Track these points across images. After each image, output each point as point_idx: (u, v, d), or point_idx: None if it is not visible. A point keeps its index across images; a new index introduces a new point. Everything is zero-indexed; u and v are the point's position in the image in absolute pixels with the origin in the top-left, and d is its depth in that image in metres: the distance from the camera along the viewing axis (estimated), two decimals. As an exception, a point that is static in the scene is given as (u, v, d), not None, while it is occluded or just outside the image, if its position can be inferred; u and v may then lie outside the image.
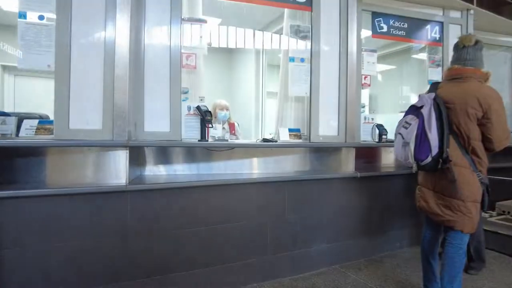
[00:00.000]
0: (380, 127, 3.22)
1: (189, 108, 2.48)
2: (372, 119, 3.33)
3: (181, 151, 2.57)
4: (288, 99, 2.86)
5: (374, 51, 3.31)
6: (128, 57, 2.03)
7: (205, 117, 2.38)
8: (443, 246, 2.08)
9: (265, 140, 2.57)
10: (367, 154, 3.42)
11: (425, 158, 1.95)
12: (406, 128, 2.06)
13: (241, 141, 2.85)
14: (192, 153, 2.59)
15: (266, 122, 4.70)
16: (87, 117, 1.99)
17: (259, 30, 4.35)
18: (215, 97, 3.56)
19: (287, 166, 2.78)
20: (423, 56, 4.33)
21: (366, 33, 3.29)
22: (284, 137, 2.71)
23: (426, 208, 2.11)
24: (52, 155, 2.01)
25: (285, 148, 2.74)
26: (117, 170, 2.04)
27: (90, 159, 2.05)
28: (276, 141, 2.57)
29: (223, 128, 3.26)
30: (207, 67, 2.88)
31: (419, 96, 2.09)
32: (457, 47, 2.09)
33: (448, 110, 1.99)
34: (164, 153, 2.52)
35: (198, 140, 2.40)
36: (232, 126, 3.33)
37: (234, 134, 3.31)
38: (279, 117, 2.87)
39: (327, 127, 2.78)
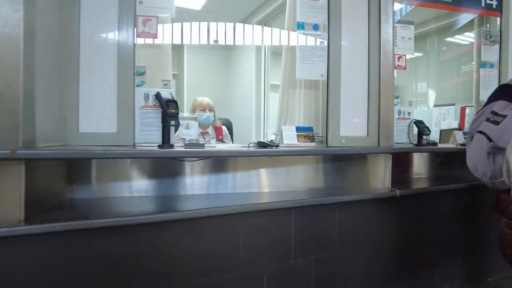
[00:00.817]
0: (420, 124, 2.38)
1: (146, 96, 1.66)
2: (409, 113, 2.49)
3: (138, 160, 1.74)
4: (295, 85, 2.01)
5: (410, 23, 2.45)
6: (22, 7, 1.19)
7: (167, 110, 1.54)
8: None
9: (260, 144, 1.72)
10: (398, 162, 2.55)
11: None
12: (496, 122, 1.21)
13: (222, 146, 1.98)
14: (156, 163, 1.76)
15: (269, 121, 3.87)
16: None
17: (239, 21, 3.96)
18: (208, 95, 2.76)
19: (294, 181, 1.92)
20: (460, 39, 3.50)
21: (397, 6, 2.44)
22: (290, 139, 1.85)
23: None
24: None
25: (291, 156, 1.88)
26: (9, 198, 1.21)
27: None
28: (276, 146, 1.71)
29: (206, 133, 2.45)
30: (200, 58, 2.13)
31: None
32: None
33: None
34: (113, 165, 1.70)
35: (159, 146, 1.58)
36: (219, 131, 2.51)
37: (222, 140, 2.49)
38: (282, 111, 2.02)
39: (352, 125, 1.92)
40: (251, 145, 1.76)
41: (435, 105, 3.71)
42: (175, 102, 1.59)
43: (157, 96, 1.59)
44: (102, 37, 1.60)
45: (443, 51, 3.74)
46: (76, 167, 1.63)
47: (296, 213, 1.65)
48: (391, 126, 2.01)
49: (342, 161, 1.98)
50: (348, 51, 1.92)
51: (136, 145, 1.64)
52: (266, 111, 3.63)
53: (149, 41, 1.76)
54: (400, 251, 2.01)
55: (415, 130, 2.48)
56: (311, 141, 1.90)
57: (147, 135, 1.66)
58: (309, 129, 1.93)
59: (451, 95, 3.67)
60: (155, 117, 1.64)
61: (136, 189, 1.71)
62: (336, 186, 1.96)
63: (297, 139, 1.87)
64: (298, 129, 1.89)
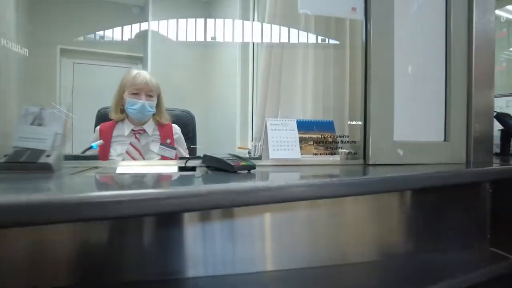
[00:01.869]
0: (507, 119, 1.46)
1: None
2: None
3: None
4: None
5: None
6: None
7: None
8: None
9: (209, 164, 0.70)
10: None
11: None
12: None
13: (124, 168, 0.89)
14: None
15: (258, 124, 2.86)
16: None
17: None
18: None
19: (297, 246, 0.85)
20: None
21: None
22: (283, 149, 0.84)
23: None
24: None
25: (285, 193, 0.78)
26: None
27: None
28: (248, 168, 0.67)
29: (142, 132, 1.44)
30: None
31: None
32: None
33: None
34: None
35: None
36: (166, 130, 1.48)
37: (171, 145, 1.46)
38: (269, 90, 0.99)
39: (415, 120, 0.91)
40: (187, 163, 0.74)
41: (506, 94, 2.75)
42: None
43: None
44: None
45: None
46: None
47: None
48: (491, 125, 1.00)
49: (393, 194, 0.94)
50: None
51: None
52: (254, 105, 2.66)
53: None
54: None
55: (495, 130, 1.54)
56: (331, 153, 0.88)
57: None
58: (327, 126, 0.91)
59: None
60: None
61: None
62: (382, 249, 0.91)
63: (301, 147, 0.85)
64: (302, 125, 0.87)
